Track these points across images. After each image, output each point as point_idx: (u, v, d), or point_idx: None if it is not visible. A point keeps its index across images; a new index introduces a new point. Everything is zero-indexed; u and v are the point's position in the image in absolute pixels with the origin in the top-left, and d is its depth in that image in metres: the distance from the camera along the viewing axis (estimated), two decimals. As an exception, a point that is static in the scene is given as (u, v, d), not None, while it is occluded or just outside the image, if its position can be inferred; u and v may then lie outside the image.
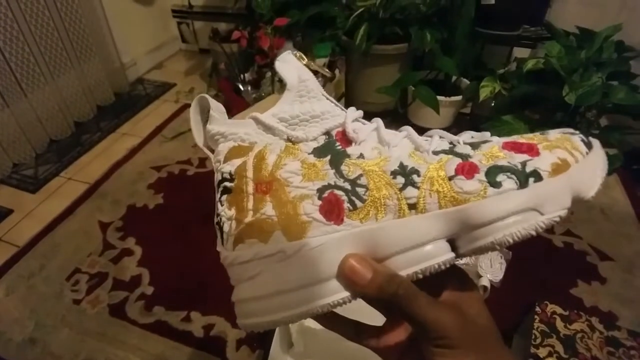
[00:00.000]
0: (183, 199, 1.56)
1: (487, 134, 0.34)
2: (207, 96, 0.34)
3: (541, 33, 1.72)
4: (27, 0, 1.64)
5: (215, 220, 0.33)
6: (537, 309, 0.95)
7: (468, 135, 0.34)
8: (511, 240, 0.29)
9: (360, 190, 0.30)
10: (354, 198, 0.30)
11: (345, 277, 0.29)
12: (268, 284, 0.30)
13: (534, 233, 0.29)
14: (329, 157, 0.32)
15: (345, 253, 0.30)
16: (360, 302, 0.32)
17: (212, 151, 0.35)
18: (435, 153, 0.32)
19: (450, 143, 0.33)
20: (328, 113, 0.34)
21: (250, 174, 0.32)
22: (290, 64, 0.35)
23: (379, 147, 0.33)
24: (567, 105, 1.31)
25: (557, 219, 0.29)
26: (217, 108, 0.34)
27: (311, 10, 1.74)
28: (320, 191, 0.31)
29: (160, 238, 1.41)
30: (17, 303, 1.22)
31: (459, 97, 1.70)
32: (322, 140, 0.33)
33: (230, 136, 0.33)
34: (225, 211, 0.32)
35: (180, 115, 2.08)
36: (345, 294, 0.30)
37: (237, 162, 0.32)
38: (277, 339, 0.87)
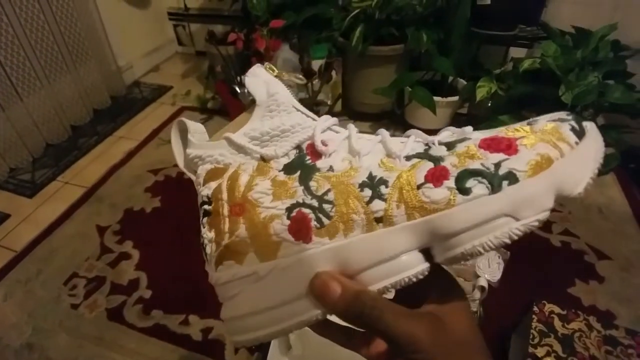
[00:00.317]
0: (180, 202, 1.55)
1: (469, 129, 0.32)
2: (185, 120, 0.35)
3: (537, 33, 1.72)
4: (22, 5, 1.64)
5: (200, 241, 0.34)
6: (535, 308, 0.95)
7: (447, 133, 0.32)
8: (482, 251, 0.27)
9: (327, 206, 0.30)
10: (320, 215, 0.30)
11: (316, 295, 0.29)
12: (245, 304, 0.31)
13: (508, 241, 0.27)
14: (298, 173, 0.32)
15: (316, 271, 0.29)
16: None
17: (195, 173, 0.35)
18: (409, 158, 0.31)
19: (426, 144, 0.32)
20: (298, 126, 0.33)
21: (225, 196, 0.32)
22: (259, 78, 0.34)
23: (349, 158, 0.32)
24: (564, 104, 1.31)
25: (536, 224, 0.27)
26: (195, 130, 0.34)
27: (307, 11, 1.75)
28: (289, 210, 0.30)
29: (158, 241, 1.40)
30: (15, 308, 1.21)
31: (456, 98, 1.70)
32: (293, 155, 0.33)
33: (207, 158, 0.33)
34: (206, 233, 0.33)
35: (177, 118, 2.07)
36: (317, 311, 0.29)
37: (214, 184, 0.33)
38: (275, 342, 0.87)
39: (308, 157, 0.32)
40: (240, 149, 0.33)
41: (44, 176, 1.74)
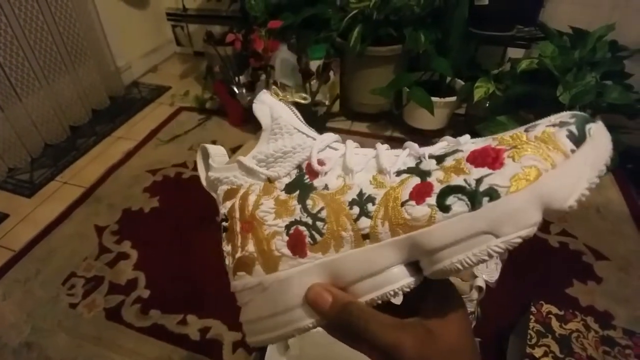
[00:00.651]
0: (179, 202, 1.56)
1: (464, 138, 0.32)
2: (206, 145, 0.39)
3: (535, 33, 1.72)
4: (21, 5, 1.64)
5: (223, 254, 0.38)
6: (533, 309, 0.95)
7: (443, 144, 0.33)
8: (461, 267, 0.28)
9: (319, 224, 0.32)
10: (314, 232, 0.32)
11: (310, 304, 0.32)
12: (254, 311, 0.35)
13: (487, 258, 0.27)
14: (297, 193, 0.34)
15: (311, 283, 0.32)
16: None
17: (216, 193, 0.39)
18: (399, 173, 0.32)
19: (418, 159, 0.32)
20: (299, 146, 0.35)
21: (237, 214, 0.36)
22: (264, 104, 0.37)
23: (343, 175, 0.34)
24: (562, 105, 1.32)
25: (518, 240, 0.26)
26: (216, 153, 0.39)
27: (305, 12, 1.75)
28: (288, 227, 0.33)
29: (156, 241, 1.41)
30: (13, 308, 1.21)
31: (454, 98, 1.70)
32: (294, 175, 0.35)
33: (224, 180, 0.37)
34: (225, 247, 0.37)
35: (175, 118, 2.08)
36: (312, 320, 0.32)
37: (229, 204, 0.37)
38: (274, 341, 0.87)
39: (306, 177, 0.35)
40: (249, 171, 0.36)
41: (43, 176, 1.74)
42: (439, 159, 0.31)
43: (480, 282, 1.12)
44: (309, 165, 0.34)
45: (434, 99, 1.59)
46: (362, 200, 0.31)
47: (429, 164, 0.31)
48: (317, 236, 0.32)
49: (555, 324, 0.92)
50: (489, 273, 1.15)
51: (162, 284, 1.26)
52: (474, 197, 0.27)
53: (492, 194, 0.27)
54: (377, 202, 0.31)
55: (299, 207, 0.33)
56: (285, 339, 0.34)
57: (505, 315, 1.09)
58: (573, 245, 1.32)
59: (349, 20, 1.67)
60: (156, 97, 2.29)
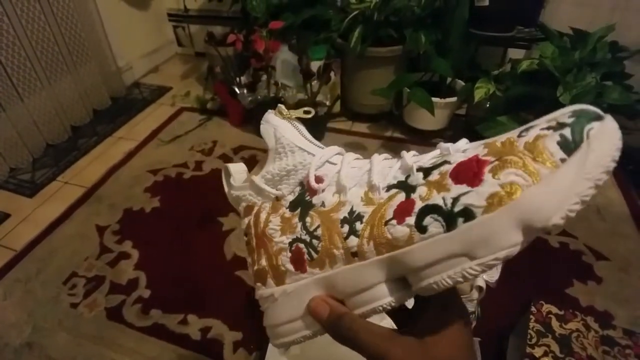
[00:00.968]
0: (180, 202, 1.56)
1: (458, 145, 0.30)
2: (228, 165, 0.42)
3: (535, 34, 1.73)
4: (23, 6, 1.65)
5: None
6: (533, 308, 0.95)
7: (434, 154, 0.32)
8: (437, 288, 0.27)
9: (315, 242, 0.34)
10: (310, 250, 0.34)
11: (311, 314, 0.34)
12: (270, 318, 0.38)
13: (461, 280, 0.26)
14: (299, 210, 0.36)
15: (312, 296, 0.35)
16: None
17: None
18: (389, 188, 0.32)
19: (407, 171, 0.31)
20: (300, 164, 0.37)
21: (252, 230, 0.39)
22: (269, 124, 0.38)
23: (338, 192, 0.35)
24: (562, 105, 1.30)
25: (495, 262, 0.25)
26: (237, 171, 0.41)
27: (306, 13, 1.75)
28: (291, 244, 0.36)
29: (157, 241, 1.41)
30: (14, 307, 1.22)
31: (454, 99, 1.70)
32: (297, 192, 0.37)
33: (242, 197, 0.40)
34: (247, 259, 0.40)
35: (176, 118, 2.08)
36: (315, 328, 0.35)
37: (247, 220, 0.40)
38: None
39: (307, 194, 0.36)
40: (258, 190, 0.38)
41: (44, 176, 1.74)
42: (427, 172, 0.30)
43: (480, 282, 1.12)
44: (309, 183, 0.36)
45: (434, 99, 1.59)
46: (351, 219, 0.32)
47: (417, 178, 0.30)
48: (313, 253, 0.34)
49: (555, 323, 0.92)
50: (489, 273, 1.15)
51: (163, 284, 1.26)
52: (449, 218, 0.27)
53: (468, 214, 0.26)
54: (364, 220, 0.32)
55: (299, 224, 0.35)
56: (296, 343, 0.36)
57: (505, 315, 1.09)
58: (573, 245, 1.32)
59: (350, 21, 1.67)
60: (157, 98, 2.29)
